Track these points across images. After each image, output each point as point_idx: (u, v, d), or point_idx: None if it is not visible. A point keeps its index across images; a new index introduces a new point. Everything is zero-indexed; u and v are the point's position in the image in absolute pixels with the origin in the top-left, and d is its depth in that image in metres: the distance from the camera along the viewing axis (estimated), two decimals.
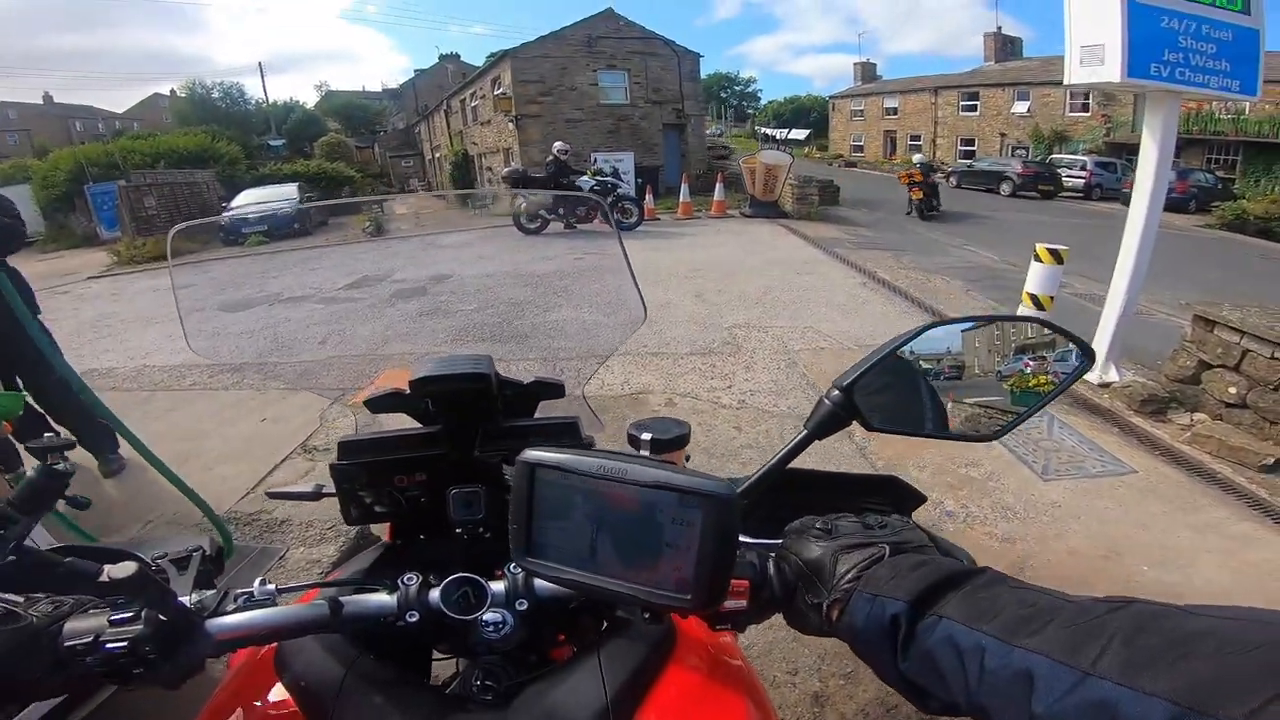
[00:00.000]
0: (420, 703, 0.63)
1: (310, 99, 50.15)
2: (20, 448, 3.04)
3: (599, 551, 0.51)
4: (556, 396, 0.88)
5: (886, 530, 0.55)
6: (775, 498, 0.63)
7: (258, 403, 4.52)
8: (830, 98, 43.37)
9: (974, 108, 31.58)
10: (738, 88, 70.49)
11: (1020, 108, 29.38)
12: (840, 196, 15.34)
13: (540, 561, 0.53)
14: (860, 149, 37.63)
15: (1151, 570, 2.68)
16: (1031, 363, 0.69)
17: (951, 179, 24.49)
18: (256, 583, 0.65)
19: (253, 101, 39.39)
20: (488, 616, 0.64)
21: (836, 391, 0.62)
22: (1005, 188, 21.78)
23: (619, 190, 12.26)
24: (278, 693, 0.66)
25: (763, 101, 68.15)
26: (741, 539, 0.56)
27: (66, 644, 0.55)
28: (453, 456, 0.83)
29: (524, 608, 0.64)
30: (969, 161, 26.41)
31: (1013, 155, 27.08)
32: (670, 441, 0.85)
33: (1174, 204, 17.92)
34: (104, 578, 0.54)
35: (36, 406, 3.13)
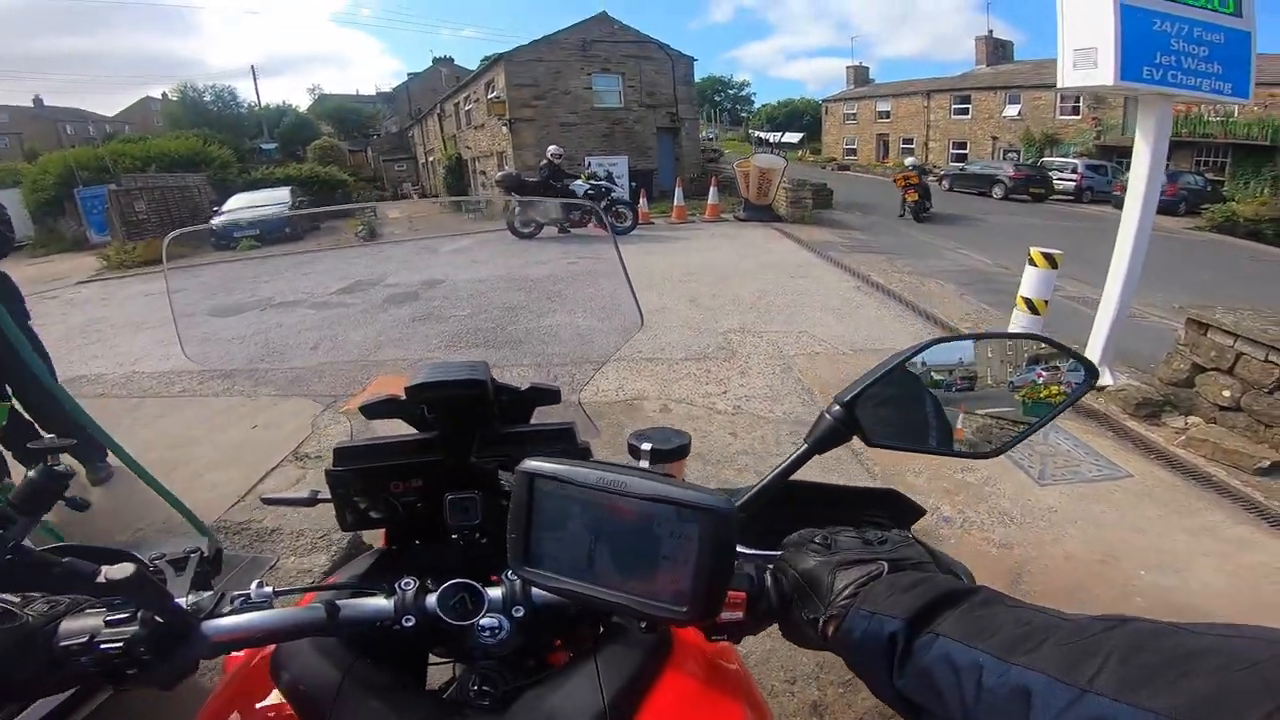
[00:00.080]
0: (417, 708, 0.63)
1: (303, 102, 50.09)
2: (8, 456, 3.01)
3: (596, 562, 0.52)
4: (552, 402, 0.88)
5: (885, 546, 0.55)
6: (774, 509, 0.63)
7: (248, 409, 4.47)
8: (823, 101, 43.57)
9: (966, 111, 31.77)
10: (731, 91, 70.77)
11: (1011, 111, 29.57)
12: (834, 200, 15.38)
13: (537, 571, 0.53)
14: (853, 152, 37.78)
15: (1149, 574, 2.67)
16: (1038, 379, 0.69)
17: (944, 182, 24.61)
18: (253, 585, 0.65)
19: (245, 105, 39.32)
20: (484, 622, 0.64)
21: (838, 407, 0.61)
22: (997, 191, 21.90)
23: (613, 194, 12.25)
24: (274, 697, 0.66)
25: (756, 105, 68.51)
26: (739, 550, 0.57)
27: (61, 644, 0.56)
28: (449, 463, 0.83)
29: (521, 614, 0.65)
30: (961, 165, 26.54)
31: (1004, 158, 27.24)
32: (670, 452, 0.84)
33: (1164, 206, 17.78)
34: (101, 578, 0.54)
35: (25, 415, 3.09)
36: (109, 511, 3.20)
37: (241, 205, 14.84)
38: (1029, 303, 3.94)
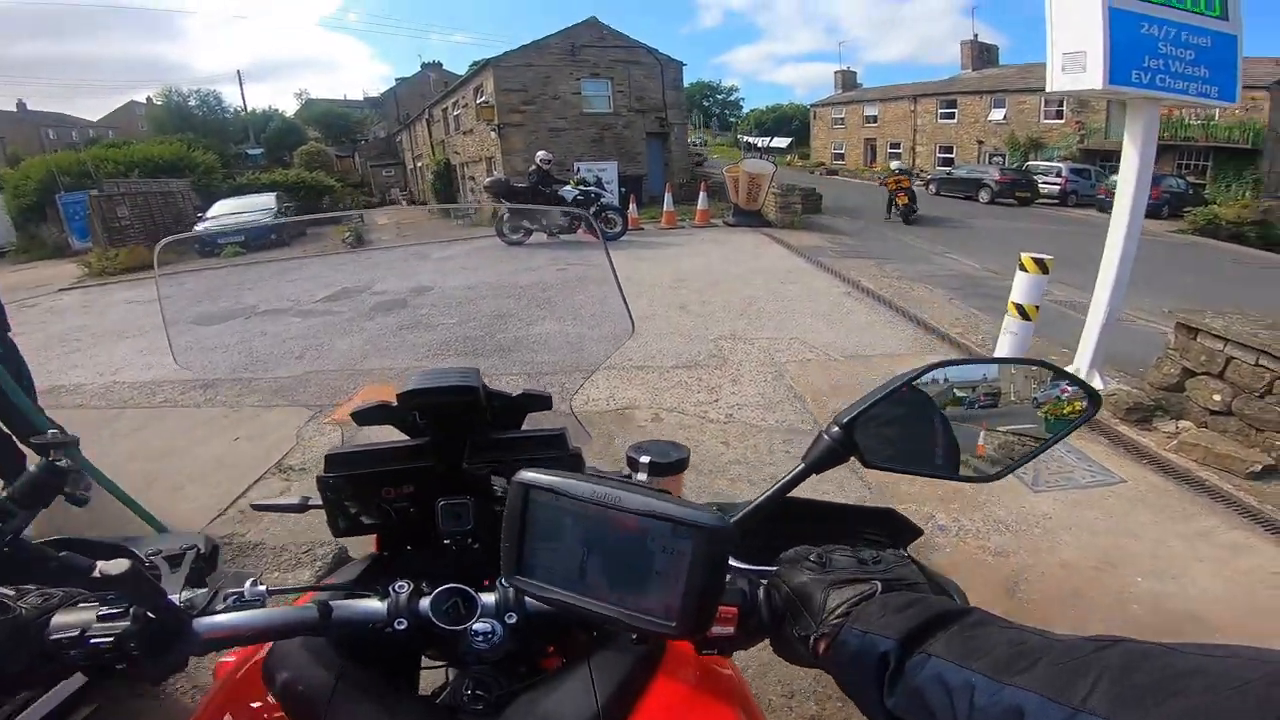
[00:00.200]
0: (410, 712, 0.64)
1: (290, 107, 49.71)
2: None
3: (588, 574, 0.52)
4: (544, 409, 0.89)
5: (880, 566, 0.55)
6: (770, 525, 0.63)
7: (231, 421, 4.39)
8: (811, 106, 43.83)
9: (952, 115, 32.05)
10: (720, 96, 71.10)
11: (997, 115, 29.85)
12: (823, 204, 15.43)
13: (529, 581, 0.54)
14: (841, 157, 37.99)
15: (1145, 581, 2.66)
16: (1040, 405, 0.69)
17: (931, 186, 24.81)
18: (247, 584, 0.65)
19: (230, 110, 39.01)
20: (477, 627, 0.64)
21: (836, 428, 0.61)
22: (983, 195, 22.07)
23: (602, 200, 12.20)
24: (267, 701, 0.66)
25: (745, 110, 68.85)
26: (734, 564, 0.58)
27: (53, 637, 0.56)
28: (440, 468, 0.83)
29: (514, 620, 0.65)
30: (948, 169, 26.76)
31: (990, 162, 27.49)
32: (669, 465, 0.85)
33: (1147, 209, 18.12)
34: (97, 573, 0.54)
35: (4, 428, 3.02)
36: (88, 524, 3.13)
37: (226, 211, 14.65)
38: (1020, 308, 3.94)
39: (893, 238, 12.82)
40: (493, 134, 19.45)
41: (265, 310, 5.99)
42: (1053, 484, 3.36)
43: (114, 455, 3.63)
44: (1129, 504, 3.22)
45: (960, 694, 0.40)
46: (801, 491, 0.63)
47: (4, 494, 0.87)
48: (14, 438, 3.08)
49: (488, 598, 0.66)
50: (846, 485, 3.09)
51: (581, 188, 12.05)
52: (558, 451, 0.86)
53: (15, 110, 42.75)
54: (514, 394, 0.87)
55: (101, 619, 0.56)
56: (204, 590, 0.67)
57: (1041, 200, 22.46)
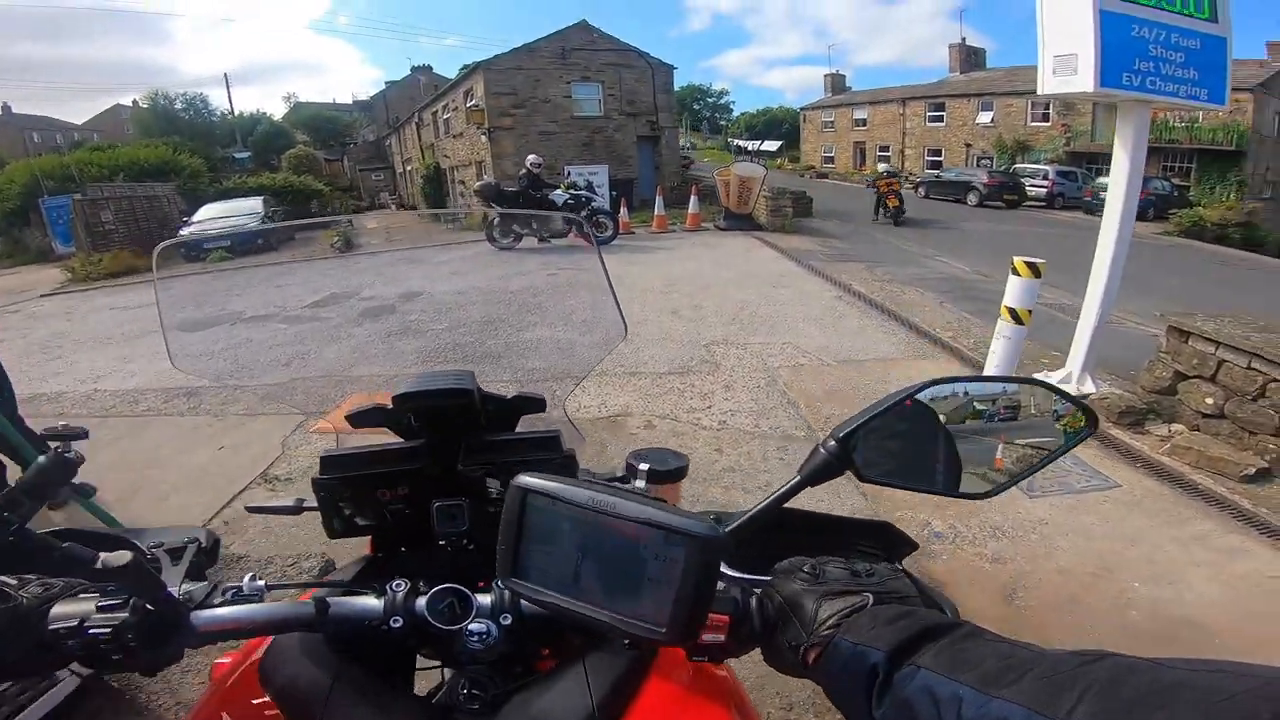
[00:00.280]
0: (407, 712, 0.65)
1: (278, 111, 49.42)
2: None
3: (582, 579, 0.52)
4: (538, 411, 0.90)
5: (873, 579, 0.56)
6: (766, 535, 0.63)
7: (215, 429, 4.30)
8: (801, 109, 43.97)
9: (940, 118, 32.28)
10: (710, 100, 71.30)
11: (985, 118, 30.10)
12: (813, 208, 15.47)
13: (524, 583, 0.54)
14: (831, 160, 38.16)
15: (1143, 587, 2.65)
16: (1037, 424, 0.69)
17: (920, 189, 24.97)
18: (246, 578, 0.66)
19: (218, 113, 38.62)
20: (473, 627, 0.65)
21: (833, 441, 0.61)
22: (972, 198, 22.23)
23: (593, 204, 12.16)
24: (264, 702, 0.66)
25: (735, 113, 69.02)
26: (728, 573, 0.59)
27: (51, 627, 0.57)
28: (435, 470, 0.83)
29: (508, 622, 0.66)
30: (936, 172, 26.93)
31: (978, 165, 27.68)
32: (667, 473, 0.85)
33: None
34: (99, 564, 0.56)
35: None
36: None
37: (212, 216, 14.46)
38: (1013, 313, 3.92)
39: (883, 241, 12.86)
40: (483, 137, 19.39)
41: (251, 316, 5.91)
42: (1048, 489, 3.35)
43: (96, 465, 3.54)
44: (1124, 509, 3.20)
45: (948, 706, 0.40)
46: (799, 502, 0.63)
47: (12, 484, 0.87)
48: None
49: (483, 598, 0.66)
50: (842, 492, 3.06)
51: (572, 192, 12.00)
52: (552, 453, 0.86)
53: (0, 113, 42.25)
54: (508, 396, 0.88)
55: (101, 610, 0.57)
56: (203, 584, 0.67)
57: (1029, 203, 22.65)
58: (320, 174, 30.51)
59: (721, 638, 0.57)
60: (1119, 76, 3.61)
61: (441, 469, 0.84)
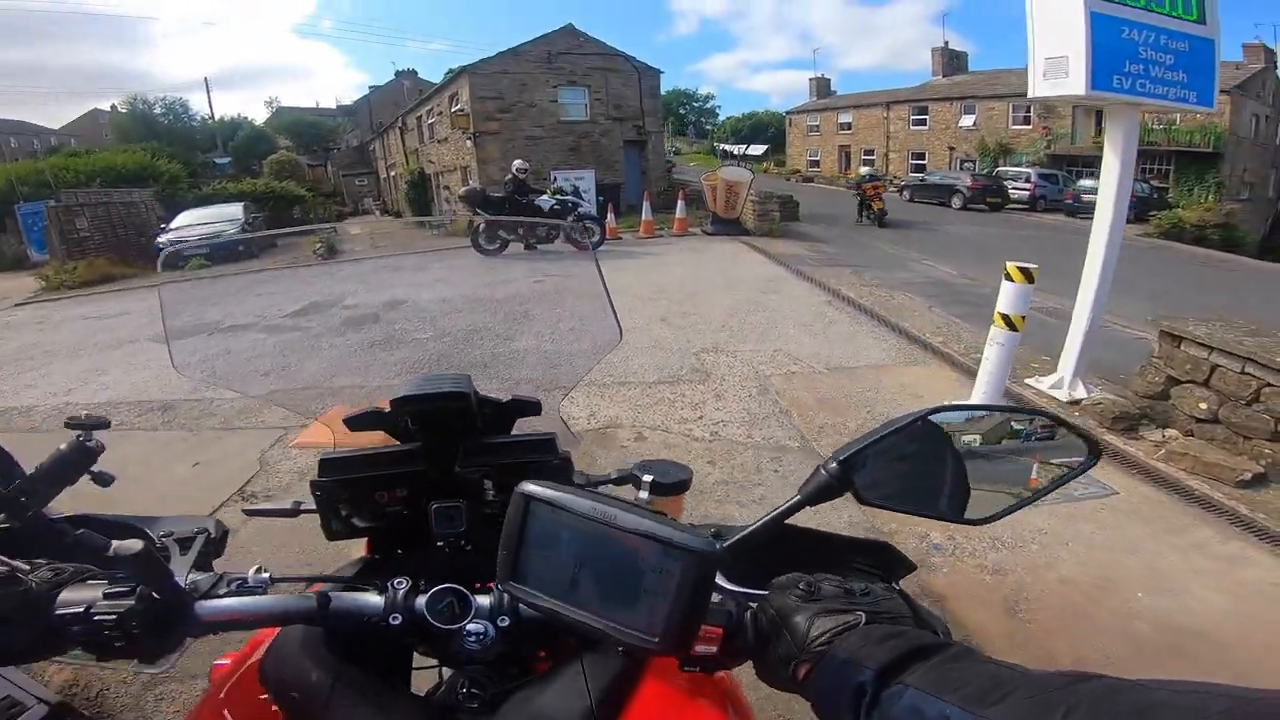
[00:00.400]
0: (407, 711, 0.66)
1: (260, 115, 48.87)
2: None
3: (579, 586, 0.53)
4: (534, 414, 0.91)
5: (867, 598, 0.56)
6: (765, 549, 0.64)
7: (190, 444, 4.16)
8: (787, 113, 44.22)
9: (924, 122, 32.56)
10: (696, 104, 71.56)
11: (967, 121, 30.40)
12: (799, 212, 15.49)
13: (522, 587, 0.55)
14: (817, 164, 38.38)
15: (1146, 597, 2.61)
16: (1039, 453, 0.70)
17: (905, 193, 25.16)
18: (251, 570, 0.67)
19: (198, 118, 38.14)
20: (471, 627, 0.66)
21: (834, 464, 0.62)
22: (956, 201, 22.42)
23: (580, 209, 12.06)
24: (264, 703, 0.66)
25: (721, 118, 69.32)
26: (724, 585, 0.61)
27: (58, 612, 0.58)
28: (433, 473, 0.84)
29: (505, 624, 0.67)
30: (921, 175, 27.16)
31: (961, 168, 27.93)
32: (670, 486, 0.86)
33: None
34: (111, 552, 0.57)
35: None
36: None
37: (191, 222, 14.15)
38: (1006, 319, 3.88)
39: (870, 245, 12.88)
40: (468, 142, 19.23)
41: (229, 326, 5.75)
42: (1046, 497, 3.30)
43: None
44: (1123, 517, 3.16)
45: None
46: (799, 517, 0.64)
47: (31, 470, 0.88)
48: None
49: (482, 600, 0.67)
50: (839, 503, 2.98)
51: (559, 197, 11.88)
52: (548, 455, 0.87)
53: None
54: (504, 400, 0.89)
55: (107, 596, 0.58)
56: (209, 574, 0.69)
57: (1011, 206, 22.87)
58: (303, 179, 30.16)
59: (714, 649, 0.58)
60: (1109, 79, 3.59)
61: (439, 471, 0.84)
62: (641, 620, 0.52)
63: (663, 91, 23.12)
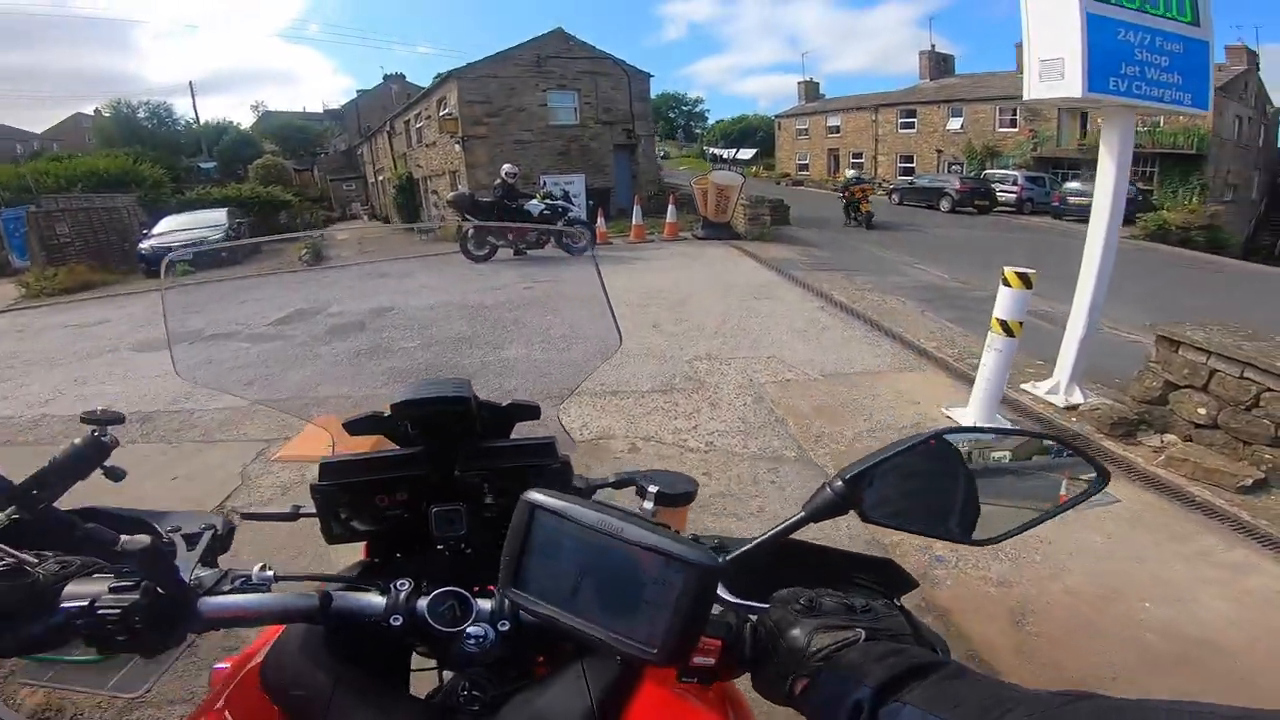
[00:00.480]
0: (408, 714, 0.67)
1: (246, 120, 48.44)
2: None
3: (580, 595, 0.54)
4: (533, 418, 0.90)
5: (868, 615, 0.56)
6: (768, 562, 0.64)
7: (169, 458, 4.03)
8: (776, 117, 44.39)
9: (912, 125, 32.74)
10: (686, 108, 71.73)
11: (954, 124, 30.57)
12: (790, 215, 15.47)
13: (524, 594, 0.56)
14: (806, 167, 38.47)
15: (1154, 607, 2.57)
16: (1048, 477, 0.71)
17: (894, 196, 25.27)
18: (256, 568, 0.68)
19: (182, 122, 37.72)
20: (471, 630, 0.66)
21: (840, 482, 0.62)
22: (945, 204, 22.54)
23: (569, 214, 11.95)
24: (264, 706, 0.66)
25: (710, 121, 69.49)
26: (726, 598, 0.61)
27: (63, 604, 0.59)
28: (433, 477, 0.85)
29: (506, 629, 0.67)
30: (910, 179, 27.27)
31: (949, 171, 28.12)
32: (676, 497, 0.86)
33: None
34: (119, 547, 0.63)
35: None
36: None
37: (174, 228, 13.91)
38: (1004, 325, 3.83)
39: (861, 248, 12.87)
40: (456, 147, 19.09)
41: (211, 335, 5.62)
42: None
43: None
44: (1127, 525, 3.11)
45: None
46: (803, 531, 0.64)
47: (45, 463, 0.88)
48: None
49: (483, 603, 0.68)
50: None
51: (548, 202, 11.76)
52: (547, 459, 0.88)
53: None
54: (504, 404, 0.89)
55: (113, 591, 0.58)
56: (214, 570, 0.69)
57: (999, 208, 23.01)
58: (289, 184, 29.90)
59: (712, 661, 0.58)
60: (1106, 81, 3.56)
61: (439, 475, 0.85)
62: (641, 631, 0.51)
63: (652, 95, 23.09)
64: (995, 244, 14.50)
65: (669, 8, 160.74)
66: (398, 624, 0.65)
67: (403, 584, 0.67)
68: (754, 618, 0.59)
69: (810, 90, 42.48)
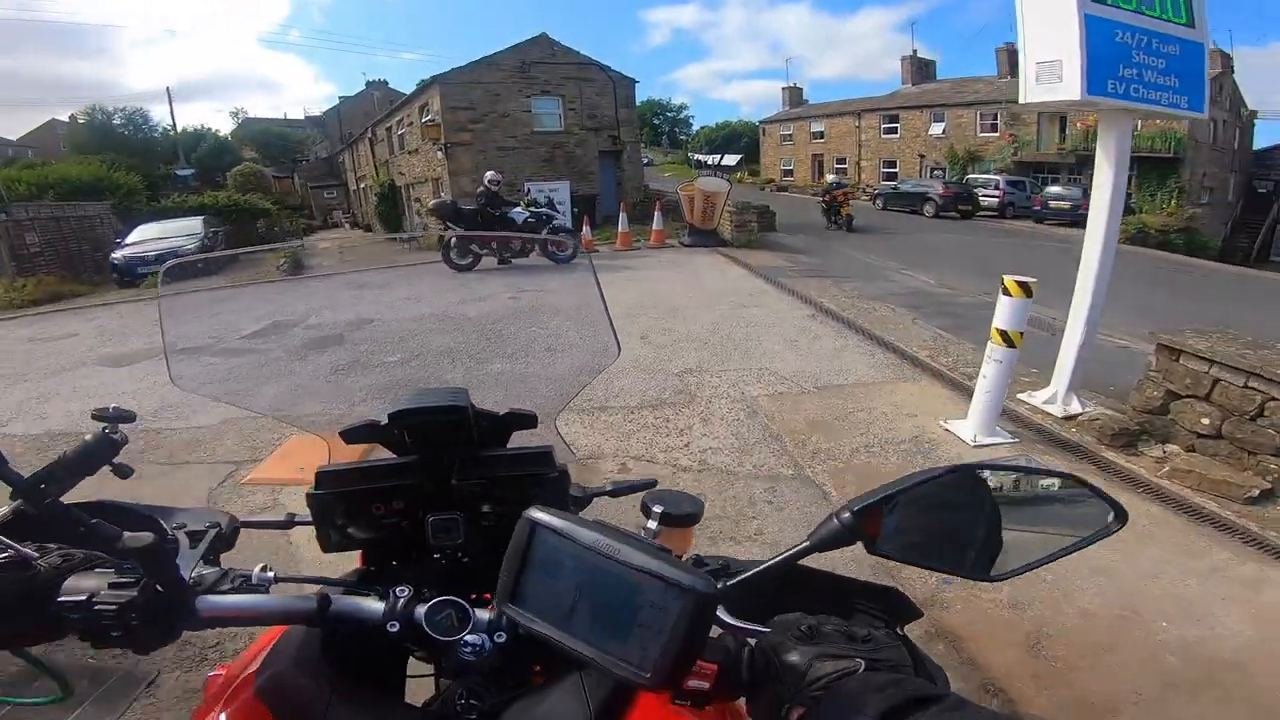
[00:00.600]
0: None
1: (225, 127, 47.81)
2: None
3: (576, 614, 0.54)
4: (530, 427, 0.90)
5: (869, 645, 0.56)
6: (771, 586, 0.64)
7: (131, 481, 3.77)
8: (760, 123, 44.54)
9: (895, 130, 32.93)
10: (670, 114, 71.91)
11: (937, 129, 30.79)
12: (775, 222, 15.43)
13: (520, 610, 0.56)
14: (790, 173, 38.59)
15: (1173, 627, 2.49)
16: (1062, 515, 0.70)
17: (878, 201, 25.41)
18: (256, 568, 0.69)
19: (159, 129, 37.00)
20: (469, 638, 0.66)
21: (848, 514, 0.61)
22: (928, 209, 22.68)
23: (554, 222, 11.77)
24: (260, 715, 0.65)
25: (695, 128, 69.68)
26: (726, 620, 0.60)
27: (60, 598, 0.60)
28: (429, 486, 0.85)
29: (502, 640, 0.67)
30: (894, 184, 27.43)
31: (931, 176, 28.31)
32: (681, 517, 0.84)
33: (1081, 220, 19.02)
34: (122, 543, 0.60)
35: None
36: None
37: (147, 237, 13.54)
38: (1004, 335, 3.73)
39: (848, 255, 12.84)
40: (439, 154, 18.86)
41: (182, 349, 5.38)
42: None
43: None
44: (1137, 541, 3.01)
45: None
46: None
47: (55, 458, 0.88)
48: None
49: (481, 613, 0.68)
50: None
51: (532, 209, 11.57)
52: (545, 468, 0.88)
53: None
54: (501, 413, 0.89)
55: (112, 586, 0.60)
56: (216, 569, 0.70)
57: (982, 213, 23.19)
58: (269, 192, 29.48)
59: (706, 685, 0.57)
60: (1104, 84, 3.48)
61: (435, 484, 0.85)
62: (634, 654, 0.51)
63: (637, 102, 23.01)
64: (979, 249, 14.56)
65: (653, 14, 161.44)
66: (394, 630, 0.65)
67: (402, 590, 0.67)
68: (753, 642, 0.59)
69: (794, 96, 42.70)
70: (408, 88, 27.07)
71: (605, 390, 4.60)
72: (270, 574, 0.68)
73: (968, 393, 4.46)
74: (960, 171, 28.08)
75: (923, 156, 31.20)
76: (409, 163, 22.64)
